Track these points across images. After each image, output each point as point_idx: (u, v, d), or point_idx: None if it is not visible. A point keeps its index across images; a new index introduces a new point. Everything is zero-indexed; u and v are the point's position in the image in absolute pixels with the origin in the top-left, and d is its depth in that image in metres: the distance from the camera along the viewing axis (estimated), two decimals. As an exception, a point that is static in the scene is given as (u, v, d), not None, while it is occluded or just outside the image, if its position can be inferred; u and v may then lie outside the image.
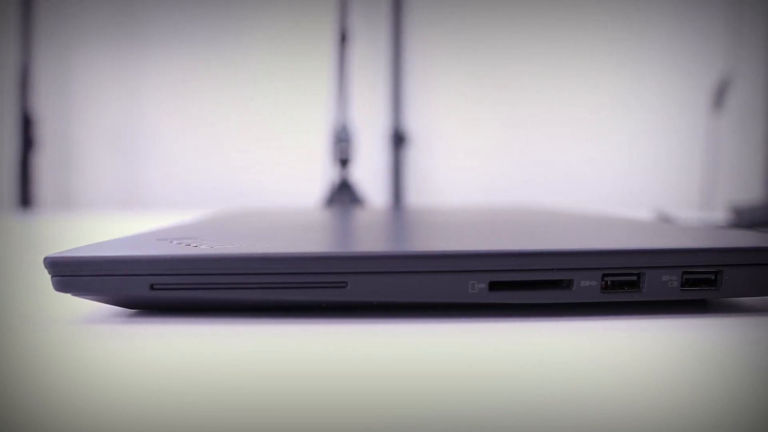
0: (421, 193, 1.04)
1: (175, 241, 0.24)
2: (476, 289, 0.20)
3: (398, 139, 1.01)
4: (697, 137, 1.03)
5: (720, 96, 0.99)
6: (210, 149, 1.05)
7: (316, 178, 1.02)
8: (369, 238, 0.23)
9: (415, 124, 1.04)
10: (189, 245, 0.23)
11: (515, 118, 1.04)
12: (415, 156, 1.04)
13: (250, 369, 0.15)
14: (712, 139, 1.02)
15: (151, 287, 0.20)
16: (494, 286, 0.20)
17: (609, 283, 0.20)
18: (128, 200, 1.06)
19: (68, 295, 0.21)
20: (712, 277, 0.21)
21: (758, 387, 0.14)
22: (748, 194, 1.02)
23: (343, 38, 0.88)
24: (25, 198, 0.99)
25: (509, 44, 1.04)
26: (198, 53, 1.04)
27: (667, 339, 0.18)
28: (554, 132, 1.04)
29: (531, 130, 1.04)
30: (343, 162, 0.84)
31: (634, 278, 0.20)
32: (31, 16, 1.01)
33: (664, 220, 0.52)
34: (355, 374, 0.15)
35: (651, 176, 1.04)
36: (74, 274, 0.20)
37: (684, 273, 0.20)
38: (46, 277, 0.20)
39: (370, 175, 1.03)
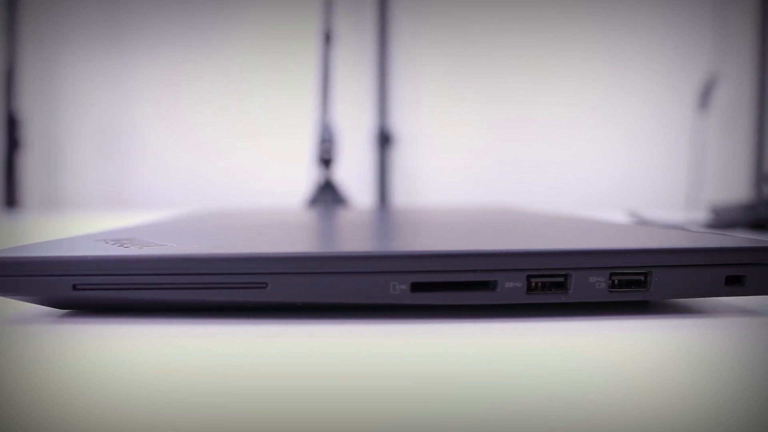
0: (406, 193, 1.04)
1: (110, 242, 0.24)
2: (398, 290, 0.19)
3: (384, 139, 1.01)
4: (683, 137, 1.03)
5: (706, 96, 0.98)
6: (196, 149, 1.05)
7: (301, 179, 1.02)
8: (294, 238, 0.23)
9: (400, 124, 1.04)
10: (121, 246, 0.22)
11: (501, 118, 1.04)
12: (400, 156, 1.04)
13: (169, 369, 0.15)
14: (698, 138, 1.02)
15: (74, 287, 0.20)
16: (417, 287, 0.19)
17: (535, 284, 0.20)
18: (114, 200, 1.05)
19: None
20: (642, 279, 0.20)
21: (681, 391, 0.14)
22: (734, 194, 1.01)
23: (327, 38, 0.87)
24: (11, 198, 0.99)
25: (495, 45, 1.03)
26: (184, 54, 1.04)
27: (590, 341, 0.18)
28: (539, 132, 1.04)
29: (517, 130, 1.04)
30: (326, 162, 0.84)
31: (561, 279, 0.20)
32: (17, 17, 1.01)
33: (637, 220, 0.52)
34: (271, 375, 0.15)
35: (636, 176, 1.04)
36: (3, 275, 0.20)
37: (612, 274, 0.20)
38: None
39: (356, 175, 1.03)
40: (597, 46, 1.03)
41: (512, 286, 0.20)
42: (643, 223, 0.52)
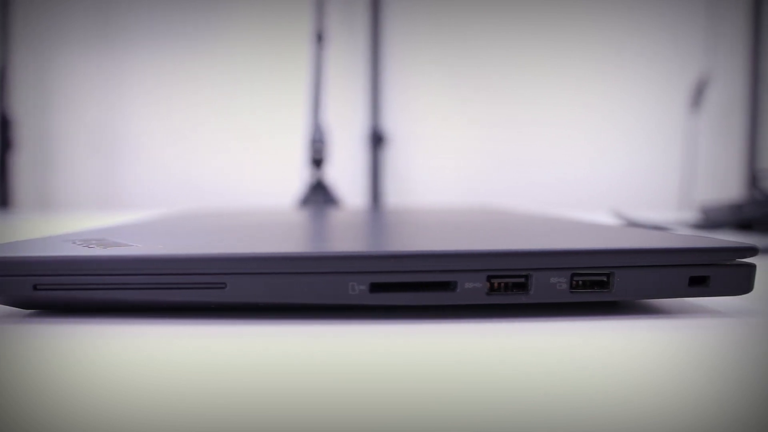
0: (399, 193, 1.04)
1: (78, 242, 0.24)
2: (356, 290, 0.19)
3: (376, 140, 1.01)
4: (676, 137, 1.03)
5: (698, 96, 0.98)
6: (189, 149, 1.05)
7: (294, 179, 1.02)
8: (259, 238, 0.23)
9: (393, 124, 1.04)
10: (87, 246, 0.22)
11: (494, 118, 1.04)
12: (393, 156, 1.04)
13: (130, 369, 0.15)
14: (691, 138, 1.01)
15: (35, 288, 0.20)
16: (376, 287, 0.19)
17: (496, 285, 0.20)
18: (107, 200, 1.05)
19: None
20: (605, 279, 0.20)
21: (642, 392, 0.13)
22: (726, 193, 1.01)
23: (319, 38, 0.87)
24: (4, 198, 0.99)
25: (487, 45, 1.03)
26: (176, 54, 1.04)
27: (551, 341, 0.18)
28: (532, 133, 1.04)
29: (509, 130, 1.04)
30: (317, 162, 0.84)
31: (522, 280, 0.20)
32: (9, 16, 1.01)
33: (623, 221, 0.52)
34: (229, 375, 0.15)
35: (629, 176, 1.03)
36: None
37: (573, 275, 0.20)
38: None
39: (348, 175, 1.03)
40: (590, 46, 1.03)
41: (472, 286, 0.19)
42: (629, 223, 0.52)
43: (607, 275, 0.20)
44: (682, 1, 1.02)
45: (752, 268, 0.21)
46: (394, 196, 1.04)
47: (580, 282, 0.20)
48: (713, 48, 1.02)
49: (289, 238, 0.23)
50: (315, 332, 0.19)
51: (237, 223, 0.31)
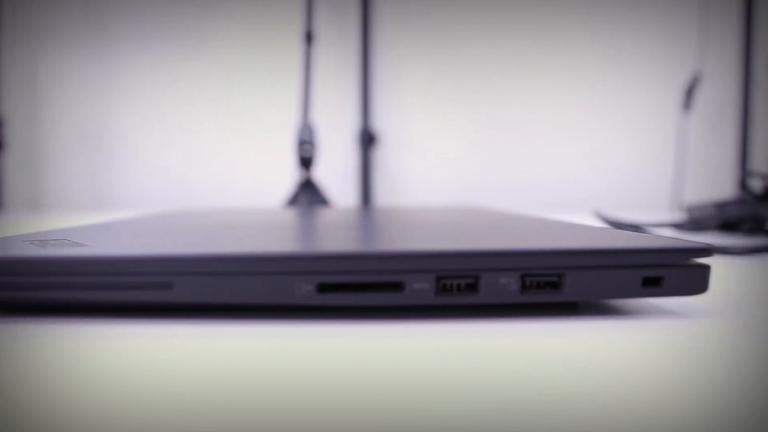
0: (390, 193, 1.04)
1: (36, 243, 0.24)
2: (303, 291, 0.19)
3: (367, 139, 1.01)
4: (667, 137, 1.03)
5: (690, 96, 0.98)
6: (180, 150, 1.05)
7: (286, 179, 1.02)
8: (206, 239, 0.23)
9: (384, 124, 1.03)
10: (43, 247, 0.22)
11: (485, 119, 1.04)
12: (384, 156, 1.03)
13: (77, 369, 0.15)
14: (682, 139, 1.01)
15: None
16: (323, 288, 0.19)
17: (445, 285, 0.20)
18: (98, 201, 1.05)
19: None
20: (556, 280, 0.20)
21: (589, 393, 0.13)
22: (718, 193, 1.01)
23: (308, 38, 0.87)
24: (-6, 198, 0.99)
25: (478, 45, 1.03)
26: (166, 54, 1.04)
27: (499, 342, 0.18)
28: (524, 132, 1.04)
29: (501, 130, 1.04)
30: (306, 162, 0.83)
31: (472, 281, 0.20)
32: None
33: (603, 221, 0.51)
34: (173, 375, 0.15)
35: (621, 176, 1.03)
36: None
37: (524, 276, 0.20)
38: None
39: (339, 175, 1.03)
40: (581, 46, 1.03)
41: (420, 287, 0.19)
42: (608, 224, 0.52)
43: (559, 276, 0.20)
44: (674, 2, 1.02)
45: (707, 268, 0.21)
46: (385, 196, 1.04)
47: (532, 283, 0.20)
48: (705, 49, 1.02)
49: (245, 238, 0.23)
50: (261, 332, 0.18)
51: (206, 224, 0.31)
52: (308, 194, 0.85)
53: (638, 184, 1.03)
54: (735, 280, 0.29)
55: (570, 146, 1.04)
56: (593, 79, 1.03)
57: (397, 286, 0.19)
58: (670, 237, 0.23)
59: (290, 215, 0.39)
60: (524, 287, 0.20)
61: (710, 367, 0.15)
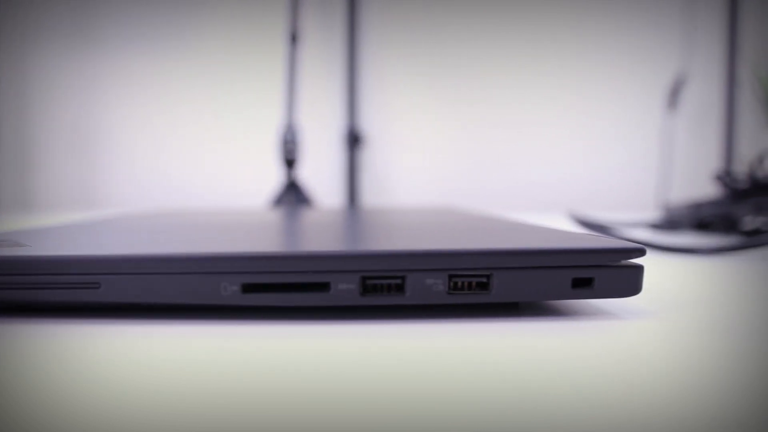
0: (377, 193, 1.04)
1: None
2: (228, 291, 0.19)
3: (353, 140, 1.01)
4: (652, 137, 1.03)
5: (675, 95, 0.98)
6: (168, 149, 1.05)
7: (273, 178, 1.02)
8: (134, 239, 0.23)
9: (370, 124, 1.03)
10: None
11: (471, 119, 1.04)
12: (370, 156, 1.04)
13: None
14: (667, 138, 1.01)
15: None
16: (248, 288, 0.19)
17: (371, 286, 0.20)
18: (86, 200, 1.05)
19: None
20: (485, 281, 0.20)
21: (512, 395, 0.13)
22: (703, 193, 1.01)
23: (293, 38, 0.87)
24: (-19, 197, 0.99)
25: (465, 45, 1.03)
26: (154, 54, 1.04)
27: (424, 344, 0.18)
28: (510, 133, 1.04)
29: (487, 130, 1.04)
30: (290, 163, 0.84)
31: (398, 281, 0.20)
32: (-13, 16, 1.01)
33: (575, 221, 0.51)
34: (100, 375, 0.15)
35: (607, 176, 1.03)
36: None
37: (451, 276, 0.20)
38: None
39: (326, 175, 1.03)
40: (566, 46, 1.03)
41: (346, 288, 0.19)
42: (580, 223, 0.52)
43: (487, 277, 0.20)
44: (658, 2, 1.02)
45: (640, 269, 0.21)
46: (372, 196, 1.04)
47: (461, 284, 0.20)
48: (690, 49, 1.02)
49: (179, 238, 0.23)
50: (187, 332, 0.19)
51: (159, 224, 0.31)
52: (292, 195, 0.85)
53: (624, 183, 1.03)
54: (682, 279, 0.29)
55: (556, 146, 1.04)
56: (579, 80, 1.03)
57: (322, 287, 0.19)
58: (604, 237, 0.23)
59: (253, 216, 0.39)
60: (452, 288, 0.20)
61: (629, 370, 0.15)
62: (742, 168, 0.99)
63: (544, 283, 0.20)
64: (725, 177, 0.57)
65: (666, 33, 1.02)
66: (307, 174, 1.01)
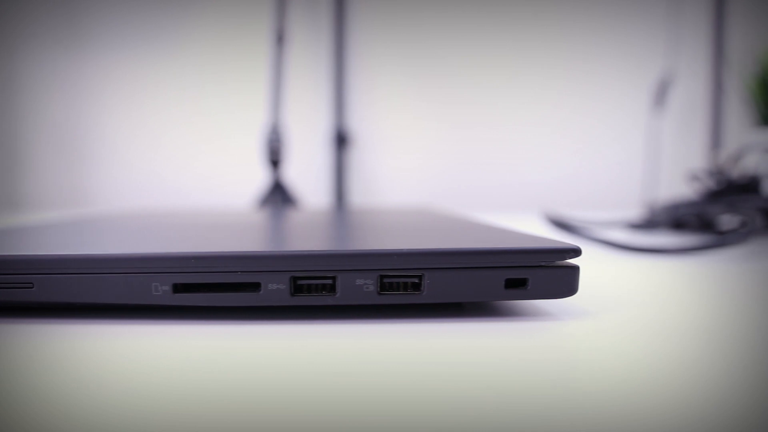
0: (365, 193, 1.04)
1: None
2: (160, 291, 0.19)
3: (340, 140, 1.01)
4: (639, 136, 1.03)
5: (661, 95, 0.98)
6: (157, 149, 1.05)
7: (259, 179, 1.02)
8: (64, 239, 0.23)
9: (357, 124, 1.04)
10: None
11: (459, 119, 1.04)
12: (358, 156, 1.04)
13: None
14: (654, 137, 1.01)
15: None
16: (178, 288, 0.19)
17: (302, 286, 0.20)
18: (75, 200, 1.06)
19: None
20: (417, 281, 0.20)
21: (442, 396, 0.14)
22: (689, 192, 1.01)
23: (280, 39, 0.87)
24: (-30, 198, 1.00)
25: (452, 46, 1.03)
26: (141, 54, 1.04)
27: (356, 344, 0.18)
28: (497, 133, 1.04)
29: (474, 131, 1.04)
30: (275, 163, 0.84)
31: (329, 282, 0.20)
32: (-24, 16, 1.01)
33: (554, 221, 0.52)
34: (29, 375, 0.15)
35: (594, 176, 1.03)
36: None
37: (382, 277, 0.20)
38: None
39: (313, 175, 1.03)
40: (553, 46, 1.03)
41: (276, 288, 0.20)
42: (553, 223, 0.52)
43: (419, 277, 0.20)
44: (644, 1, 1.02)
45: (575, 270, 0.21)
46: (360, 196, 1.04)
47: (391, 284, 0.20)
48: (676, 48, 1.02)
49: (116, 238, 0.23)
50: (120, 332, 0.19)
51: (115, 225, 0.32)
52: (278, 195, 0.85)
53: (611, 183, 1.03)
54: (635, 280, 0.30)
55: (543, 146, 1.04)
56: (566, 80, 1.03)
57: (253, 287, 0.20)
58: (540, 237, 0.23)
59: (221, 217, 0.39)
60: (383, 288, 0.20)
61: (550, 370, 0.16)
62: (717, 167, 0.99)
63: (476, 284, 0.20)
64: (701, 176, 0.57)
65: (652, 32, 1.02)
66: (295, 174, 1.01)
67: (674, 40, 1.01)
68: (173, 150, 1.05)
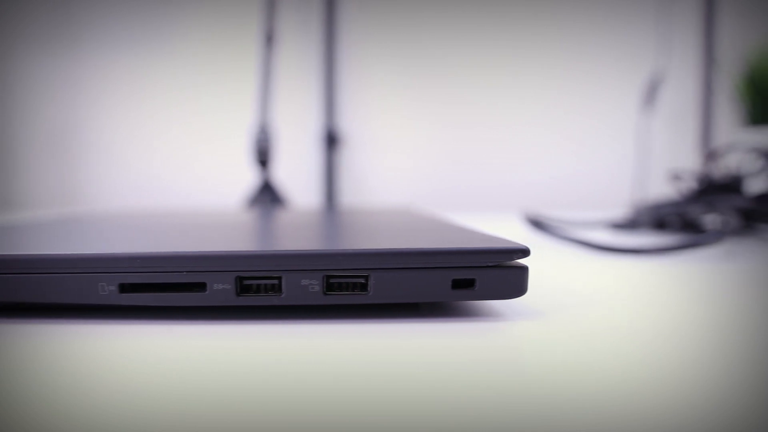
0: (356, 193, 1.04)
1: None
2: (106, 290, 0.20)
3: (331, 140, 1.01)
4: (630, 135, 1.03)
5: (651, 94, 0.98)
6: (148, 149, 1.05)
7: (251, 179, 1.02)
8: (16, 239, 0.23)
9: (348, 124, 1.04)
10: None
11: (450, 119, 1.04)
12: (349, 156, 1.04)
13: None
14: (644, 137, 1.01)
15: None
16: (125, 288, 0.20)
17: (247, 286, 0.20)
18: (67, 199, 1.06)
19: None
20: (363, 281, 0.20)
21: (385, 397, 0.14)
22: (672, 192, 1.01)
23: (269, 38, 0.87)
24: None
25: (443, 45, 1.03)
26: (133, 53, 1.05)
27: (300, 344, 0.18)
28: (488, 133, 1.04)
29: (466, 131, 1.04)
30: (263, 163, 0.84)
31: (275, 282, 0.20)
32: (-32, 17, 1.01)
33: (532, 222, 0.52)
34: None
35: (584, 175, 1.03)
36: None
37: (327, 277, 0.20)
38: None
39: (303, 175, 1.03)
40: (542, 46, 1.03)
41: (222, 288, 0.20)
42: (531, 224, 0.52)
43: (365, 277, 0.20)
44: (634, 1, 1.02)
45: (524, 270, 0.21)
46: (351, 196, 1.04)
47: (338, 284, 0.20)
48: (666, 47, 1.02)
49: (68, 238, 0.23)
50: (68, 332, 0.19)
51: (79, 225, 0.32)
52: (267, 195, 0.86)
53: (602, 182, 1.03)
54: (596, 280, 0.30)
55: (533, 146, 1.04)
56: (557, 80, 1.03)
57: (199, 287, 0.20)
58: (491, 237, 0.23)
59: (193, 217, 0.39)
60: (329, 289, 0.20)
61: (488, 371, 0.16)
62: (703, 167, 0.99)
63: (423, 284, 0.20)
64: (683, 176, 0.57)
65: (642, 32, 1.02)
66: (286, 174, 1.01)
67: (664, 41, 1.01)
68: (165, 150, 1.05)
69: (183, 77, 1.04)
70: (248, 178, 1.02)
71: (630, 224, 0.59)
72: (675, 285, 0.28)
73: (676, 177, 0.55)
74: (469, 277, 0.21)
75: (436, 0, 1.03)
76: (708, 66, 0.99)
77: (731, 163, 0.59)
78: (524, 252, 0.21)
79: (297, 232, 0.25)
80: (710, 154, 0.53)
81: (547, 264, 0.35)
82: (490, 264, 0.21)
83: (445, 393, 0.14)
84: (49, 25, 1.05)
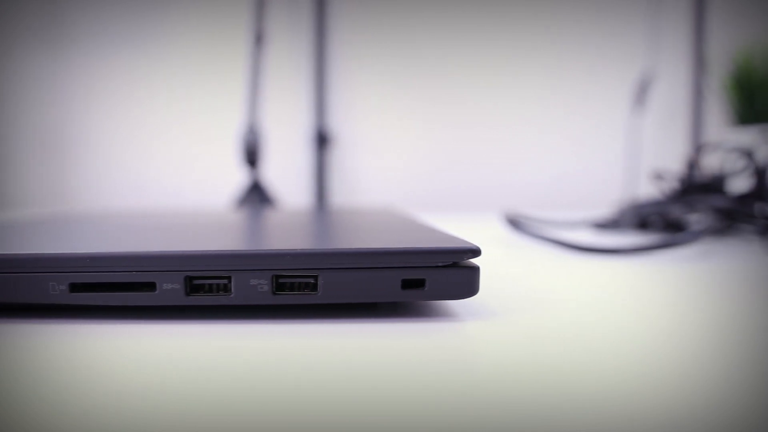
0: (346, 193, 1.05)
1: None
2: (57, 290, 0.20)
3: (321, 140, 1.02)
4: (620, 136, 1.03)
5: (642, 94, 0.98)
6: (137, 148, 1.06)
7: (240, 179, 1.02)
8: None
9: (339, 124, 1.04)
10: None
11: (440, 119, 1.04)
12: (339, 156, 1.04)
13: None
14: (635, 137, 1.01)
15: None
16: (75, 287, 0.20)
17: (197, 286, 0.20)
18: (57, 199, 1.06)
19: None
20: (313, 281, 0.21)
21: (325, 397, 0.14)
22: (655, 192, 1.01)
23: (258, 38, 0.88)
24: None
25: (433, 45, 1.04)
26: (122, 53, 1.05)
27: (249, 344, 0.18)
28: (479, 133, 1.04)
29: (456, 130, 1.04)
30: (252, 163, 0.84)
31: (224, 281, 0.20)
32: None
33: (510, 221, 0.52)
34: None
35: (573, 176, 1.03)
36: None
37: (276, 277, 0.20)
38: None
39: (294, 176, 1.04)
40: (533, 47, 1.03)
41: (171, 287, 0.20)
42: (510, 223, 0.52)
43: (314, 277, 0.20)
44: (625, 0, 1.02)
45: (475, 270, 0.21)
46: (341, 196, 1.04)
47: (287, 284, 0.20)
48: (656, 47, 1.02)
49: (23, 238, 0.24)
50: (19, 331, 0.19)
51: (44, 225, 0.32)
52: (255, 195, 0.86)
53: (592, 182, 1.03)
54: (563, 280, 0.30)
55: (524, 146, 1.04)
56: (547, 80, 1.03)
57: (148, 286, 0.20)
58: (444, 237, 0.23)
59: (165, 218, 0.39)
60: (278, 289, 0.20)
61: (450, 370, 0.16)
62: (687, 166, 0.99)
63: (372, 284, 0.20)
64: (665, 176, 0.57)
65: (633, 33, 1.02)
66: (276, 174, 1.02)
67: (654, 42, 1.01)
68: (156, 149, 1.05)
69: (172, 77, 1.04)
70: (239, 178, 1.03)
71: (612, 224, 0.59)
72: (643, 284, 0.28)
73: (658, 177, 0.55)
74: (419, 277, 0.21)
75: (426, 0, 1.03)
76: (697, 67, 0.99)
77: (714, 162, 0.59)
78: (475, 252, 0.21)
79: (249, 232, 0.25)
80: (693, 155, 0.53)
81: (516, 264, 0.35)
82: (440, 264, 0.21)
83: (392, 393, 0.14)
84: (41, 26, 1.05)
